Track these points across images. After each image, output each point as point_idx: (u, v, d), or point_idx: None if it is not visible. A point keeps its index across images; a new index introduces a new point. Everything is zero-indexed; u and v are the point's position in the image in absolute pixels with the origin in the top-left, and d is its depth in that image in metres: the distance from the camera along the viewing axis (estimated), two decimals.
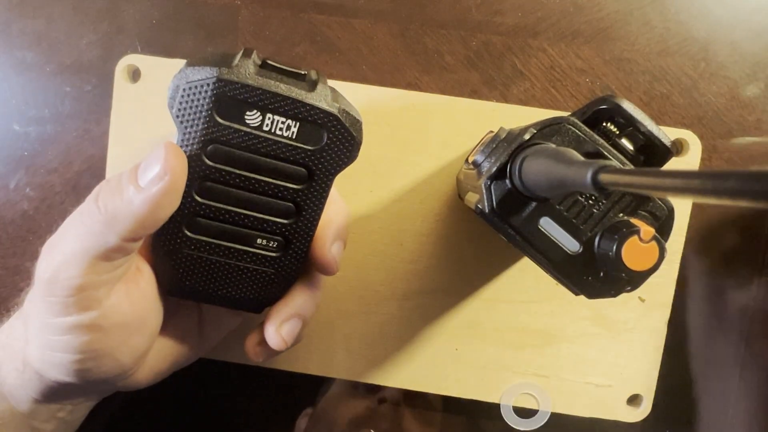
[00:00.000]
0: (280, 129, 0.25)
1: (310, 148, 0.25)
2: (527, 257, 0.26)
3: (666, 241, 0.25)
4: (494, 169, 0.25)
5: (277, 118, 0.24)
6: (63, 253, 0.24)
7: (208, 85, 0.24)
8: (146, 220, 0.23)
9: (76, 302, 0.24)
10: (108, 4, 0.37)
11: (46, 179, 0.37)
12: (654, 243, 0.23)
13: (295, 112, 0.24)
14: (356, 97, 0.27)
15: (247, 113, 0.24)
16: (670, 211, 0.26)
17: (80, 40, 0.37)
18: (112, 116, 0.35)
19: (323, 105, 0.25)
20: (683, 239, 0.35)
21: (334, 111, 0.25)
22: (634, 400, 0.37)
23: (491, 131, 0.28)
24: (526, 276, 0.36)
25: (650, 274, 0.24)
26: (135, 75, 0.35)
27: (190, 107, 0.24)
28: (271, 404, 0.39)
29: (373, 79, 0.37)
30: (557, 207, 0.25)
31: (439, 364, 0.37)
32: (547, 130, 0.25)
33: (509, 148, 0.25)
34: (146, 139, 0.35)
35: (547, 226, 0.25)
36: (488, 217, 0.25)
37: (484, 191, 0.25)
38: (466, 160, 0.31)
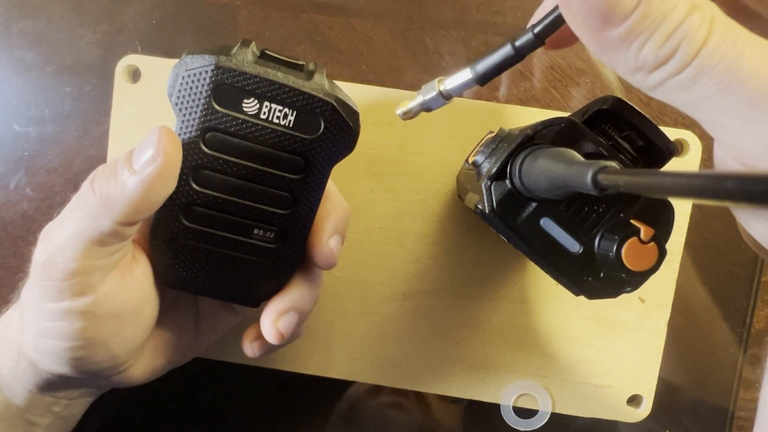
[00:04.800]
0: (277, 117, 0.25)
1: (307, 137, 0.25)
2: (527, 257, 0.26)
3: (666, 241, 0.25)
4: (494, 169, 0.25)
5: (274, 106, 0.25)
6: (59, 237, 0.24)
7: (206, 72, 0.24)
8: (140, 203, 0.23)
9: (71, 287, 0.24)
10: (108, 4, 0.37)
11: (46, 179, 0.37)
12: (654, 243, 0.23)
13: (292, 100, 0.25)
14: (356, 97, 0.27)
15: (245, 101, 0.24)
16: (670, 211, 0.26)
17: (80, 40, 0.37)
18: (112, 116, 0.35)
19: (320, 94, 0.25)
20: (683, 239, 0.35)
21: (330, 100, 0.25)
22: (634, 400, 0.37)
23: (491, 131, 0.28)
24: (526, 276, 0.36)
25: (650, 275, 0.24)
26: (135, 75, 0.35)
27: (189, 95, 0.24)
28: (271, 404, 0.39)
29: (373, 79, 0.37)
30: (557, 207, 0.25)
31: (439, 364, 0.37)
32: (547, 130, 0.25)
33: (509, 149, 0.25)
34: None
35: (548, 226, 0.25)
36: (488, 217, 0.25)
37: (484, 192, 0.25)
38: (466, 160, 0.31)
